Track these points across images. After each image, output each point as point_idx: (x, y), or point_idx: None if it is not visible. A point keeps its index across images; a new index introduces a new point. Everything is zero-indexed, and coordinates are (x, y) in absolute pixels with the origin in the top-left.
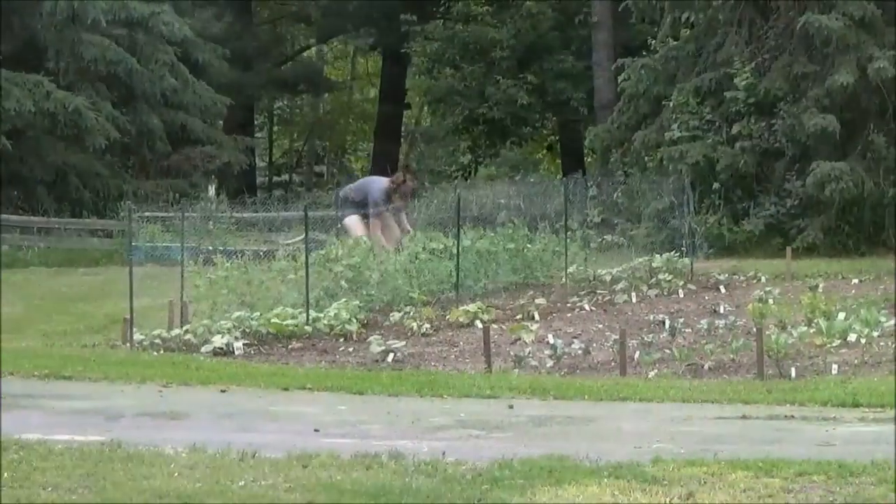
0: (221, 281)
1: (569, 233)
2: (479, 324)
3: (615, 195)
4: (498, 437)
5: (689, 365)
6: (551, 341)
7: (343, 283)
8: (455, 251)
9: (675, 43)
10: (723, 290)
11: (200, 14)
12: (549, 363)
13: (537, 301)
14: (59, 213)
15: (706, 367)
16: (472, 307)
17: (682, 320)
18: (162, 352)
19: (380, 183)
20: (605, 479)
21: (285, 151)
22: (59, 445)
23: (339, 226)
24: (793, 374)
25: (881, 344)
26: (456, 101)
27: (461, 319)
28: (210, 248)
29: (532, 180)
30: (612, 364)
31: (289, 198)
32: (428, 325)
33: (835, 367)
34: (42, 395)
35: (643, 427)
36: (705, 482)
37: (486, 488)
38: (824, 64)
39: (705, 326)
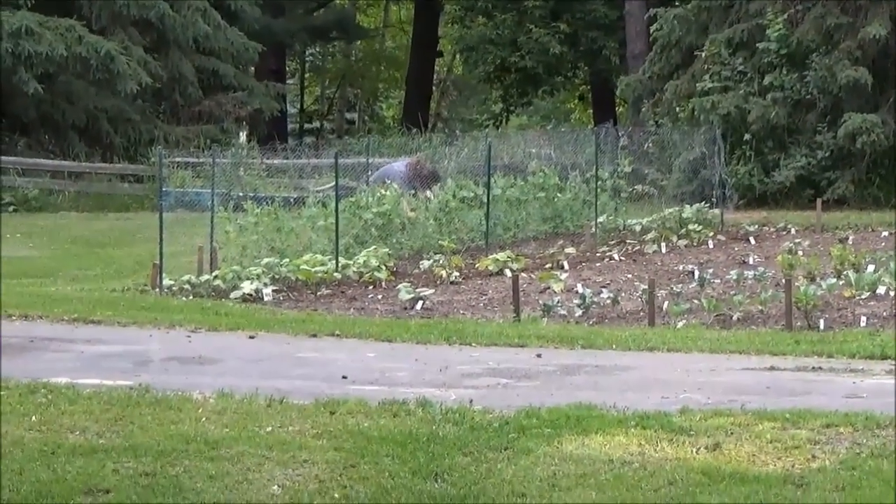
0: (251, 227)
1: (599, 182)
2: (508, 272)
3: (646, 145)
4: (526, 385)
5: (717, 315)
6: (580, 291)
7: (373, 230)
8: (485, 199)
9: None
10: (752, 241)
11: None
12: (578, 312)
13: (567, 250)
14: (90, 157)
15: (735, 317)
16: (501, 256)
17: (711, 271)
18: (191, 297)
19: (399, 168)
20: (632, 429)
21: (316, 98)
22: (88, 389)
23: (369, 172)
24: (821, 325)
25: None
26: (488, 49)
27: (490, 268)
28: (240, 194)
29: (563, 129)
30: (641, 314)
31: (320, 145)
32: (457, 274)
33: (863, 319)
34: (71, 339)
35: (671, 377)
36: (732, 433)
37: (514, 436)
38: (857, 16)
39: (734, 277)
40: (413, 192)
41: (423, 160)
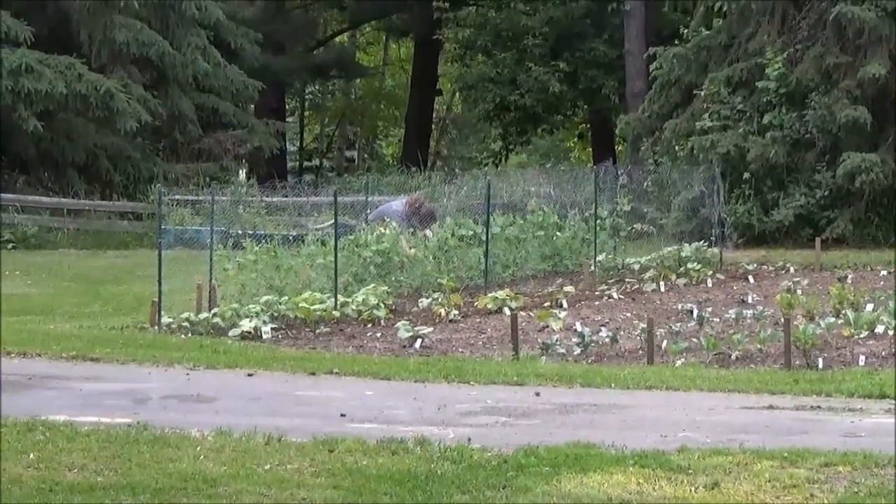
0: (250, 265)
1: (598, 221)
2: (507, 311)
3: (645, 184)
4: (524, 424)
5: (716, 354)
6: (579, 329)
7: (372, 268)
8: (484, 238)
9: (708, 32)
10: (751, 279)
11: None
12: (577, 351)
13: (566, 289)
14: (90, 195)
15: (733, 356)
16: (500, 294)
17: (710, 310)
18: (190, 335)
19: (397, 207)
20: (631, 468)
21: (316, 136)
22: (86, 427)
23: (368, 211)
24: (820, 364)
25: None
26: (487, 88)
27: (489, 306)
28: (239, 231)
29: (562, 168)
30: (640, 352)
31: (319, 182)
32: (456, 312)
33: (862, 358)
34: (69, 376)
35: (669, 416)
36: (730, 472)
37: (512, 475)
38: (856, 55)
39: (733, 316)
40: (412, 230)
41: (423, 198)
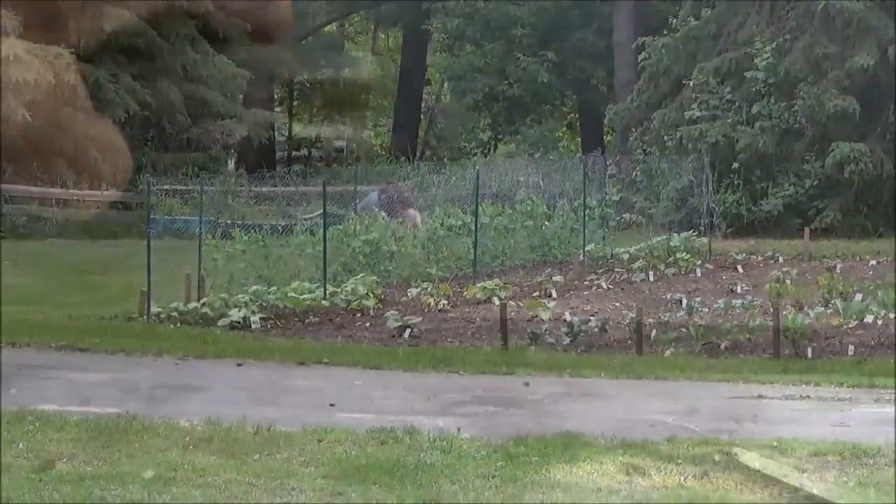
0: (239, 255)
1: (587, 211)
2: (496, 300)
3: (634, 174)
4: (513, 413)
5: (705, 344)
6: (568, 319)
7: (361, 258)
8: (473, 228)
9: (696, 22)
10: (740, 269)
11: None
12: (566, 340)
13: (555, 278)
14: (78, 185)
15: (722, 346)
16: (489, 284)
17: (699, 299)
18: (179, 325)
19: (374, 195)
20: (620, 457)
21: (305, 126)
22: (75, 417)
23: (357, 200)
24: (809, 354)
25: None
26: (476, 78)
27: (478, 296)
28: (228, 221)
29: (551, 158)
30: (629, 342)
31: (308, 172)
32: (445, 302)
33: (851, 347)
34: (59, 366)
35: (658, 405)
36: (719, 461)
37: (502, 464)
38: (845, 45)
39: (722, 306)
40: (401, 220)
41: (405, 188)
